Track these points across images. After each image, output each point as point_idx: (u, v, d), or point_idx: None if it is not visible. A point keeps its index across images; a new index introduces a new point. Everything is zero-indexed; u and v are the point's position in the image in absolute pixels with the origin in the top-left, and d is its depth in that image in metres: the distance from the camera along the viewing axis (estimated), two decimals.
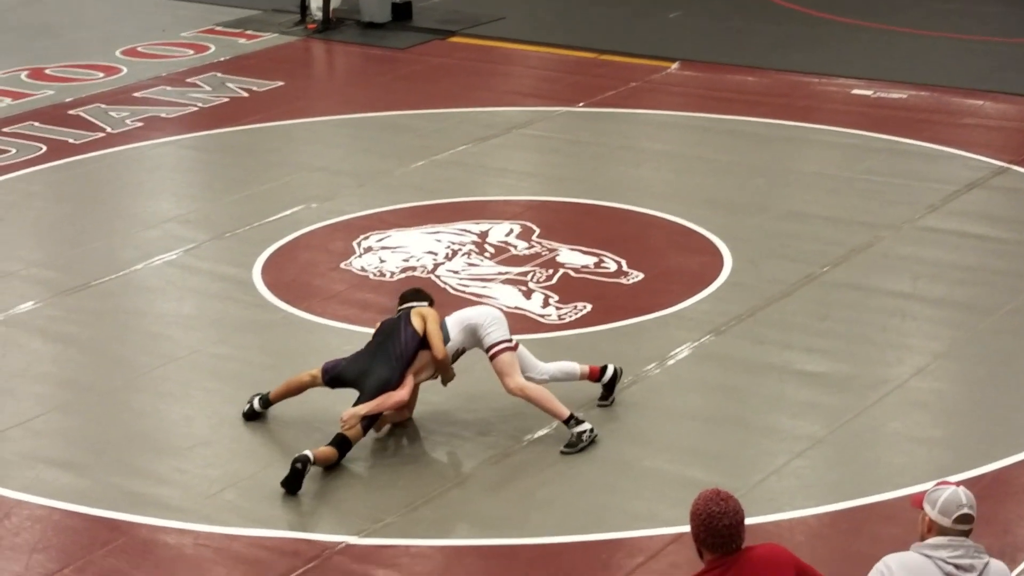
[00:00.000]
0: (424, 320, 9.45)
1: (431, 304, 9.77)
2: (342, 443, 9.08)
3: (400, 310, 9.67)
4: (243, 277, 12.13)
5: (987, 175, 13.87)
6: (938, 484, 6.09)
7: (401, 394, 9.20)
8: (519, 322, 11.10)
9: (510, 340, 9.47)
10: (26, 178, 14.65)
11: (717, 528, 5.91)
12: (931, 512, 5.98)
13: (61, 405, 10.17)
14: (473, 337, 9.53)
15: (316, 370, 9.54)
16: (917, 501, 6.12)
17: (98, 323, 11.45)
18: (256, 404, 9.75)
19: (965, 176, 13.85)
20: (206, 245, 12.82)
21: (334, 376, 9.45)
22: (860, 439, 9.46)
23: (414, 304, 9.69)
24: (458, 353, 9.57)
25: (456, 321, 9.59)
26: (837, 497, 8.76)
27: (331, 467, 9.05)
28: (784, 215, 13.13)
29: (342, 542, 8.44)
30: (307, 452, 8.92)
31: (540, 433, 9.51)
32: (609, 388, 9.82)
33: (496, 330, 9.47)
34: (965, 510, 5.96)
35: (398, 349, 9.32)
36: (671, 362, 10.49)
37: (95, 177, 14.73)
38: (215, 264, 12.45)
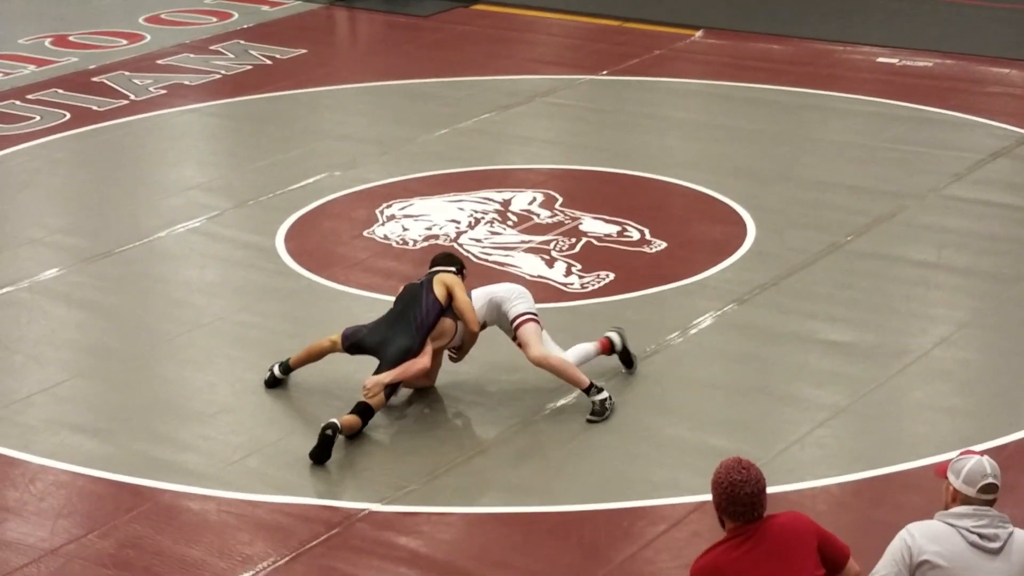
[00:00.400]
0: (447, 288, 9.43)
1: (461, 271, 9.73)
2: (365, 411, 9.10)
3: (427, 274, 9.66)
4: (266, 245, 12.15)
5: (1012, 144, 13.80)
6: (962, 453, 6.09)
7: (423, 361, 9.20)
8: (542, 291, 11.10)
9: (535, 313, 9.47)
10: (50, 145, 14.68)
11: (739, 496, 5.91)
12: (955, 482, 5.97)
13: (85, 371, 10.22)
14: (498, 312, 9.53)
15: (336, 336, 9.55)
16: (941, 470, 6.11)
17: (122, 290, 11.49)
18: (276, 371, 9.77)
19: (990, 145, 13.79)
20: (229, 213, 12.83)
21: (354, 343, 9.46)
22: (883, 408, 9.45)
23: (441, 269, 9.66)
24: (481, 327, 9.57)
25: (481, 295, 9.60)
26: (860, 466, 8.75)
27: (353, 435, 9.08)
28: (808, 184, 13.09)
29: (364, 509, 8.47)
30: (334, 420, 8.94)
31: (562, 402, 9.51)
32: (625, 355, 9.81)
33: (522, 303, 9.48)
34: (990, 479, 5.95)
35: (419, 318, 9.32)
36: (694, 331, 10.48)
37: (119, 144, 14.75)
38: (238, 232, 12.47)
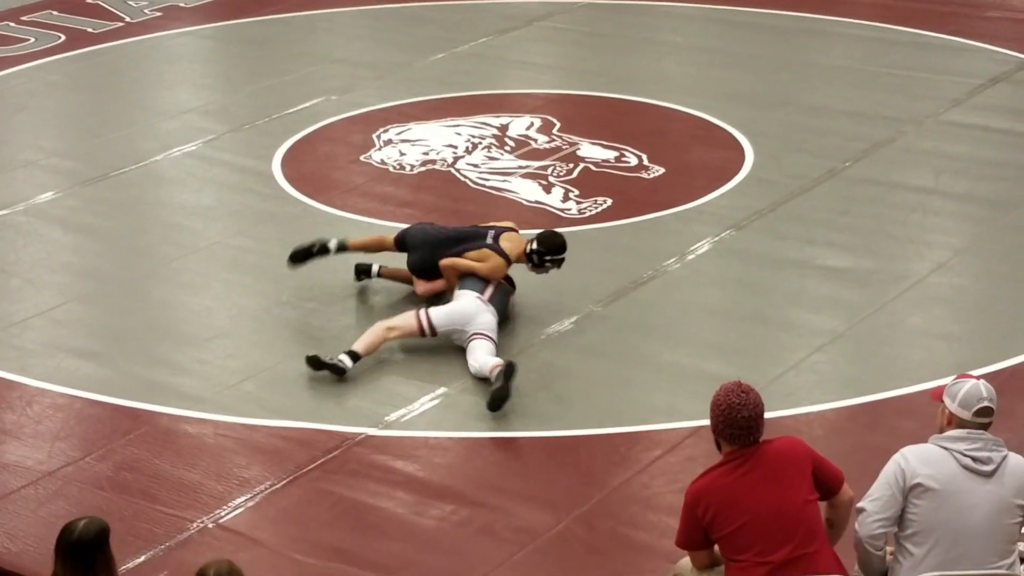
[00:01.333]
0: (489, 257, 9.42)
1: (544, 255, 9.45)
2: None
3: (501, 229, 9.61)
4: (263, 169, 12.11)
5: (1012, 69, 13.74)
6: (958, 377, 6.11)
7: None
8: (539, 216, 11.09)
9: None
10: (45, 67, 14.60)
11: (736, 420, 5.94)
12: (951, 405, 6.00)
13: (82, 295, 10.21)
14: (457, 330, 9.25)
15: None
16: (937, 394, 6.13)
17: (118, 214, 11.46)
18: (332, 245, 9.99)
19: (990, 70, 13.72)
20: (225, 136, 12.78)
21: (400, 238, 9.80)
22: (879, 334, 9.46)
23: (508, 230, 9.61)
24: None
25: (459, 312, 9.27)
26: (856, 391, 8.77)
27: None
28: (806, 109, 13.04)
29: (361, 433, 8.49)
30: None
31: (559, 328, 9.52)
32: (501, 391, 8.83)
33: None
34: (985, 403, 5.98)
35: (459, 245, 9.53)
36: (691, 257, 10.47)
37: (114, 67, 14.67)
38: (234, 156, 12.42)
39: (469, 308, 9.19)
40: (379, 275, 9.98)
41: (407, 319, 9.22)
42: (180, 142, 12.64)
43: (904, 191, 11.41)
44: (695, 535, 6.06)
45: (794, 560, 5.88)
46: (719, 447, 6.08)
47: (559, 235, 9.56)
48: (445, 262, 9.50)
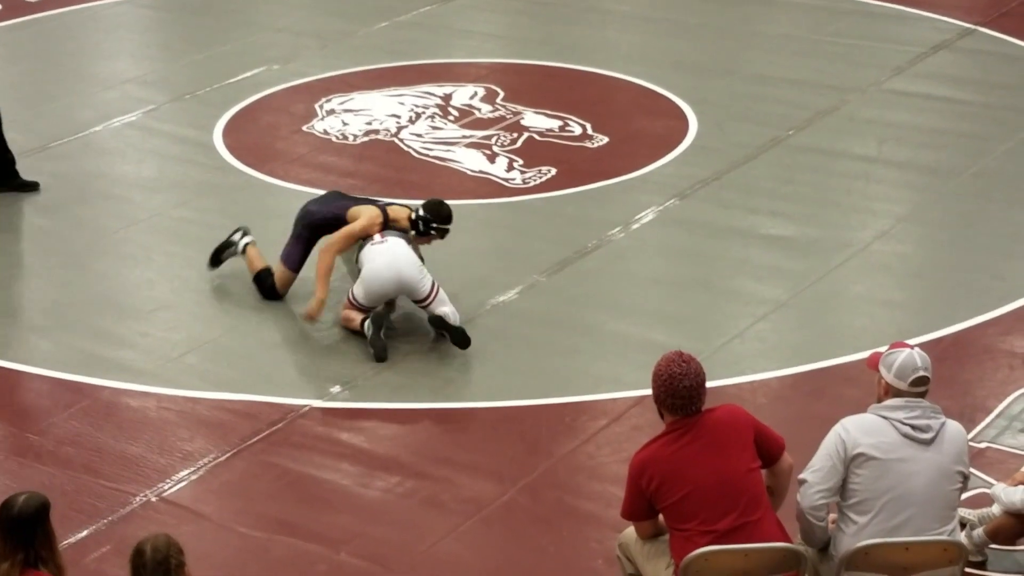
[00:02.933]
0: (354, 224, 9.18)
1: (429, 222, 9.20)
2: None
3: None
4: (204, 139, 12.01)
5: (954, 37, 13.79)
6: (892, 347, 6.13)
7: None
8: (483, 186, 11.06)
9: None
10: None
11: (678, 390, 5.94)
12: (887, 375, 6.03)
13: (21, 268, 10.10)
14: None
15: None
16: (872, 362, 6.16)
17: (58, 185, 11.33)
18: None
19: (932, 38, 13.78)
20: (166, 107, 12.67)
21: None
22: (823, 302, 9.50)
23: (411, 208, 9.30)
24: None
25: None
26: (799, 360, 8.80)
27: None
28: (750, 78, 13.05)
29: (305, 405, 8.45)
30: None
31: (503, 298, 9.50)
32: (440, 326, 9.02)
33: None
34: (921, 372, 6.01)
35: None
36: (636, 226, 10.47)
37: (52, 36, 14.50)
38: (175, 126, 12.31)
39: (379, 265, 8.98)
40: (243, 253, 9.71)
41: (349, 316, 9.07)
42: (120, 112, 12.51)
43: (847, 159, 11.45)
44: (640, 506, 6.07)
45: (738, 528, 5.91)
46: (662, 416, 6.09)
47: (446, 205, 9.30)
48: (320, 249, 9.21)
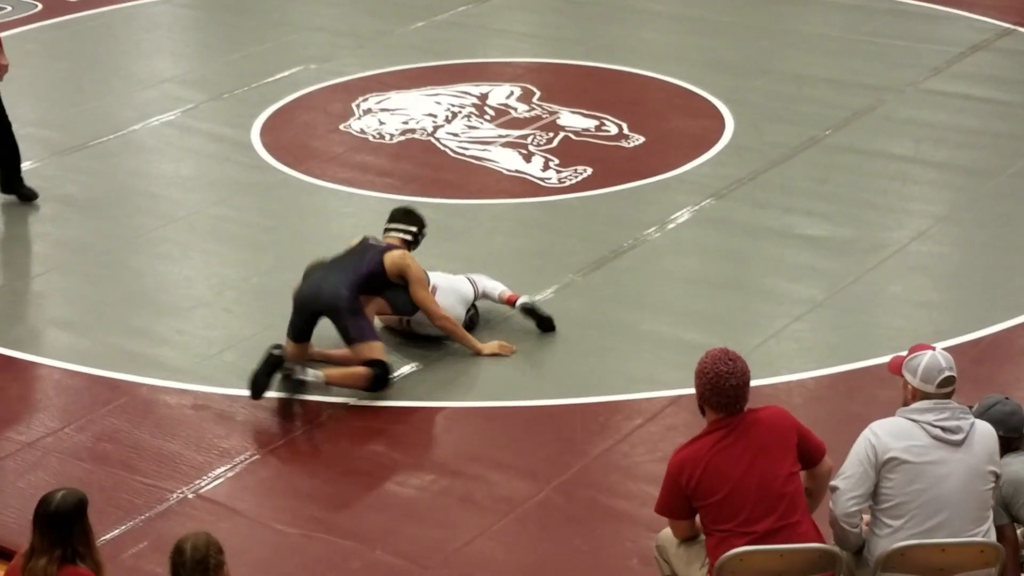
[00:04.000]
0: (400, 273, 8.63)
1: (420, 231, 8.92)
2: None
3: (385, 231, 8.92)
4: (241, 138, 12.06)
5: (992, 37, 13.73)
6: (913, 350, 6.09)
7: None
8: (519, 185, 11.07)
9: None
10: (22, 36, 14.50)
11: (724, 388, 5.91)
12: (913, 380, 6.00)
13: (60, 265, 10.16)
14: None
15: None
16: (894, 367, 6.14)
17: (96, 184, 11.40)
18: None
19: (970, 38, 13.72)
20: (204, 106, 12.73)
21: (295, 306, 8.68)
22: (859, 302, 9.47)
23: (397, 228, 8.90)
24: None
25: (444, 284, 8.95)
26: (835, 360, 8.78)
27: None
28: (786, 77, 13.02)
29: (342, 403, 8.48)
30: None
31: (538, 298, 9.50)
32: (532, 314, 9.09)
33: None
34: (947, 373, 5.99)
35: (357, 269, 8.58)
36: (671, 226, 10.46)
37: (92, 36, 14.59)
38: (213, 125, 12.37)
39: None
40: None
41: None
42: (158, 111, 12.58)
43: (884, 159, 11.41)
44: (677, 504, 6.04)
45: (776, 531, 5.88)
46: (703, 413, 6.06)
47: (400, 209, 9.05)
48: (437, 317, 8.77)
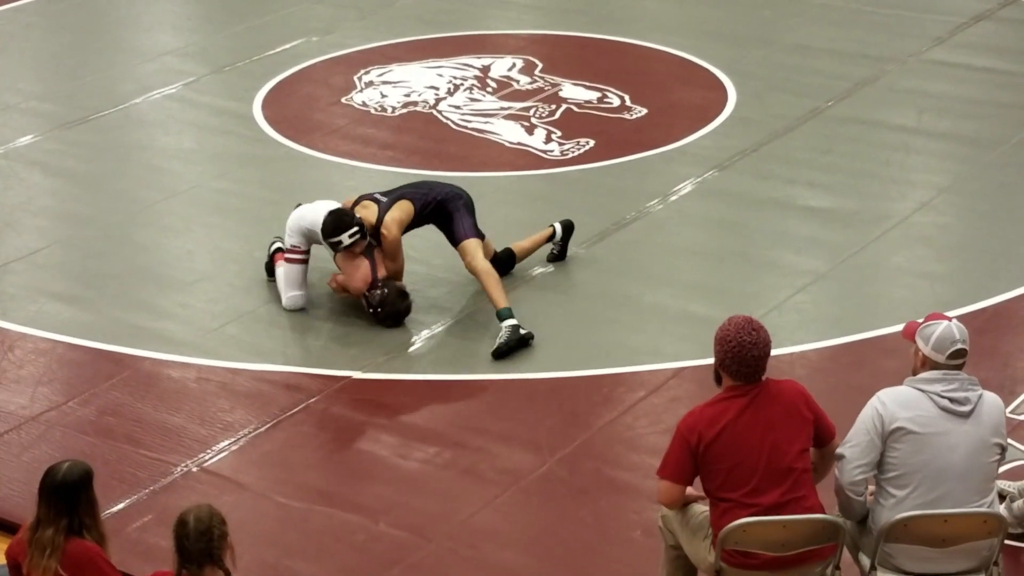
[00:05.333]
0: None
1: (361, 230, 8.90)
2: None
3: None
4: (243, 111, 12.04)
5: (995, 7, 13.68)
6: (929, 318, 6.08)
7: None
8: (521, 158, 11.06)
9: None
10: (23, 9, 14.48)
11: (746, 358, 5.87)
12: (924, 348, 5.98)
13: (63, 239, 10.16)
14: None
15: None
16: (909, 332, 6.11)
17: (98, 157, 11.39)
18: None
19: (973, 8, 13.67)
20: (205, 79, 12.70)
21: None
22: (862, 274, 9.47)
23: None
24: None
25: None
26: (838, 331, 8.78)
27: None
28: (789, 48, 12.99)
29: (346, 376, 8.49)
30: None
31: (541, 270, 9.51)
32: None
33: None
34: (959, 345, 5.97)
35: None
36: (674, 198, 10.45)
37: (92, 9, 14.55)
38: (215, 98, 12.35)
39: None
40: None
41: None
42: (160, 84, 12.55)
43: (887, 130, 11.39)
44: (684, 466, 5.94)
45: (782, 505, 5.86)
46: (718, 381, 6.02)
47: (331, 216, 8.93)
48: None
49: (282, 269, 9.13)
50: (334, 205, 8.98)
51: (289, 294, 9.08)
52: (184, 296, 9.38)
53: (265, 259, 9.46)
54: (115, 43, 13.73)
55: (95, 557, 5.75)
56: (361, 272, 8.88)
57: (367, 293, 8.87)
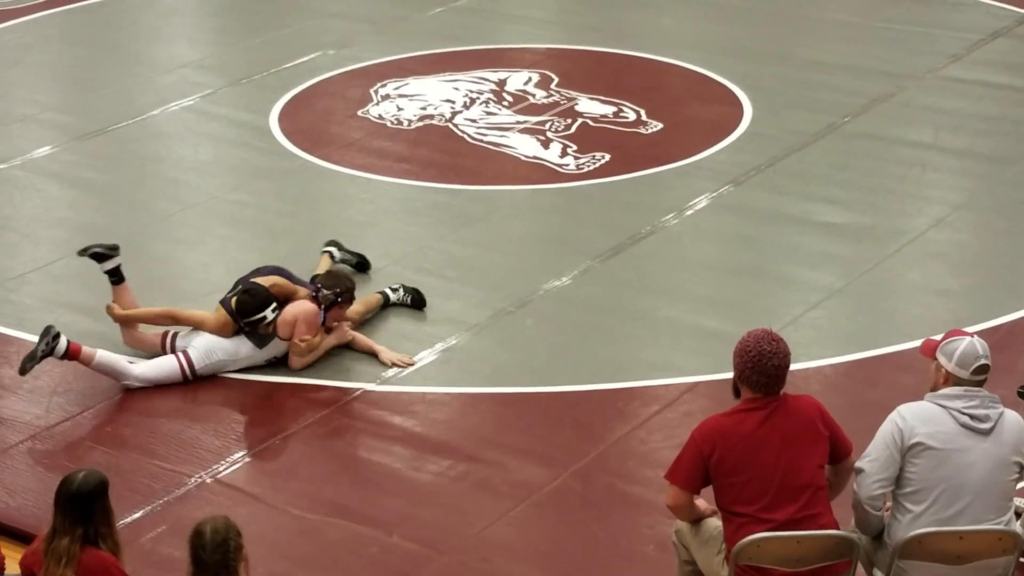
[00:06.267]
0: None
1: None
2: None
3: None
4: (260, 124, 12.07)
5: (1011, 24, 13.68)
6: (949, 335, 6.07)
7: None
8: (537, 172, 11.07)
9: None
10: (42, 21, 14.54)
11: (766, 368, 5.86)
12: (948, 364, 5.96)
13: (79, 250, 10.17)
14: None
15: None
16: (927, 349, 6.10)
17: (115, 168, 11.43)
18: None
19: (989, 25, 13.67)
20: (223, 91, 12.74)
21: None
22: (877, 290, 9.46)
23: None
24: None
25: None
26: (853, 347, 8.77)
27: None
28: (805, 64, 12.99)
29: (358, 389, 8.49)
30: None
31: (556, 284, 9.51)
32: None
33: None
34: (982, 361, 5.96)
35: None
36: (689, 212, 10.45)
37: (111, 21, 14.61)
38: (232, 110, 12.38)
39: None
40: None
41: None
42: (177, 96, 12.59)
43: (903, 147, 11.38)
44: (694, 473, 5.92)
45: (797, 521, 5.83)
46: (737, 394, 6.00)
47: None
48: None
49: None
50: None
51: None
52: (199, 308, 9.37)
53: (52, 347, 8.47)
54: (133, 55, 13.78)
55: (110, 567, 5.76)
56: (302, 314, 8.65)
57: (318, 296, 8.70)
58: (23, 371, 8.39)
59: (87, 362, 8.47)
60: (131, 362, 8.61)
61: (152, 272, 9.88)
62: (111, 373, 8.53)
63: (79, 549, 5.71)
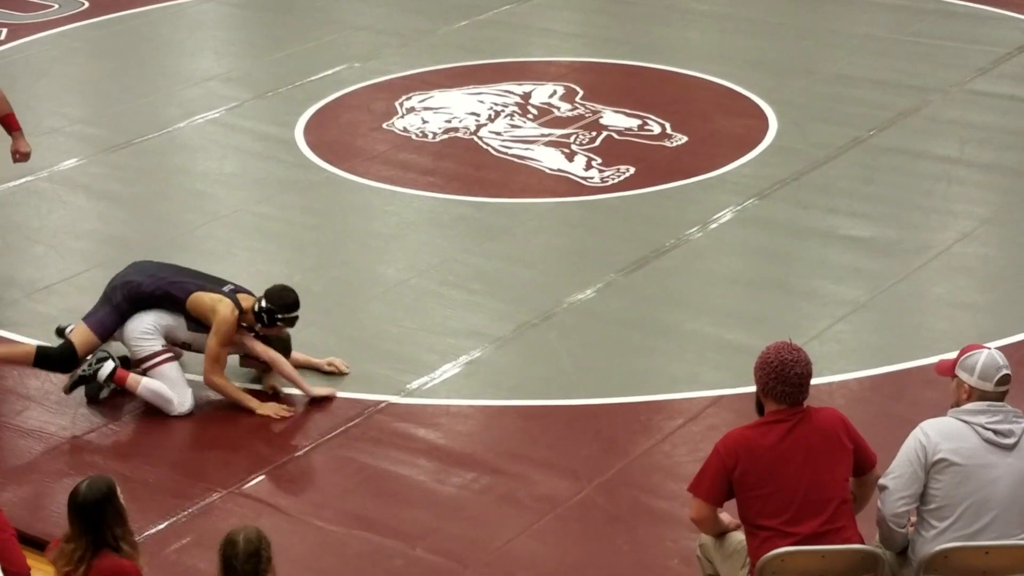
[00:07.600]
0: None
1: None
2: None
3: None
4: (285, 136, 12.11)
5: None
6: (965, 351, 6.05)
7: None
8: (561, 184, 11.07)
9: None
10: (69, 34, 14.60)
11: (788, 377, 5.85)
12: (970, 379, 5.94)
13: (105, 262, 10.20)
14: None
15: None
16: (942, 368, 6.08)
17: (142, 180, 11.47)
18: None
19: (1016, 38, 13.63)
20: (248, 104, 12.78)
21: None
22: (903, 304, 9.43)
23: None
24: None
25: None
26: (879, 361, 8.75)
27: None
28: (831, 78, 12.97)
29: (383, 401, 8.50)
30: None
31: (580, 297, 9.51)
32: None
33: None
34: (1004, 371, 5.95)
35: None
36: (714, 226, 10.44)
37: (137, 34, 14.66)
38: (257, 123, 12.42)
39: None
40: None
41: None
42: (203, 109, 12.64)
43: (929, 160, 11.36)
44: (718, 486, 5.92)
45: (821, 535, 5.83)
46: (760, 410, 5.98)
47: (289, 291, 8.51)
48: (212, 382, 8.44)
49: (160, 375, 8.44)
50: (150, 314, 8.55)
51: (185, 394, 8.44)
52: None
53: (95, 370, 8.47)
54: (159, 68, 13.83)
55: (130, 573, 5.78)
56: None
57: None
58: (67, 390, 8.47)
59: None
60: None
61: None
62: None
63: (92, 556, 5.74)
